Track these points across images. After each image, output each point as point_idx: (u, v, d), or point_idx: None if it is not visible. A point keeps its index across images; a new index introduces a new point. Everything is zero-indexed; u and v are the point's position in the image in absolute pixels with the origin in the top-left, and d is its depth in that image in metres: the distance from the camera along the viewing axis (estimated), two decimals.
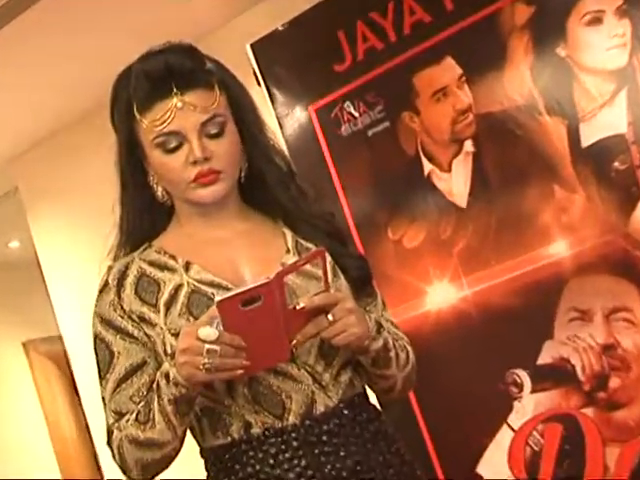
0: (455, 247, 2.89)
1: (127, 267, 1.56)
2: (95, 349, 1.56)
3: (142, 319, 1.52)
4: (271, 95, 3.15)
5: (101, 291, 1.56)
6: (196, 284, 1.51)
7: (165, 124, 1.51)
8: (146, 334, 1.53)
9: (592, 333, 2.69)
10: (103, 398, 1.57)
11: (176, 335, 1.47)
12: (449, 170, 2.91)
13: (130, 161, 1.56)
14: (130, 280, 1.54)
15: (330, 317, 1.46)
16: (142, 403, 1.50)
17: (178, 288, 1.51)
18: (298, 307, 1.43)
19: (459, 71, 2.89)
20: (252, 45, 3.16)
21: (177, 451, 1.53)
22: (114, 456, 1.56)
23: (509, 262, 2.79)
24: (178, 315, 1.50)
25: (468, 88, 2.87)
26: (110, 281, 1.55)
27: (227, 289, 1.50)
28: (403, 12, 2.96)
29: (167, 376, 1.44)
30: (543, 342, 2.75)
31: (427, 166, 2.95)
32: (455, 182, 2.90)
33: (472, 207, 2.86)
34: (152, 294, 1.52)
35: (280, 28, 3.15)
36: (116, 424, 1.54)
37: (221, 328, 1.38)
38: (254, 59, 3.15)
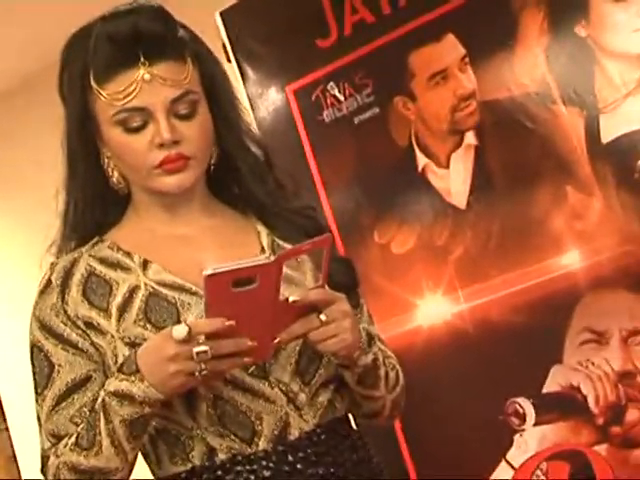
0: (451, 255, 2.71)
1: (73, 264, 1.47)
2: (32, 359, 1.48)
3: (90, 325, 1.44)
4: (242, 72, 2.94)
5: (42, 292, 1.47)
6: (155, 286, 1.44)
7: (129, 98, 1.42)
8: (94, 344, 1.45)
9: (608, 358, 2.52)
10: (38, 418, 1.48)
11: (130, 345, 1.41)
12: (447, 166, 2.71)
13: (81, 139, 1.48)
14: (77, 279, 1.46)
15: (323, 317, 1.38)
16: (83, 425, 1.41)
17: (134, 290, 1.44)
18: (290, 300, 1.33)
19: (462, 51, 2.68)
20: (222, 13, 2.94)
21: (126, 479, 1.45)
22: None
23: (513, 273, 2.63)
24: (133, 322, 1.42)
25: (472, 71, 2.66)
26: (53, 280, 1.46)
27: (192, 293, 1.43)
28: None
29: (122, 394, 1.35)
30: (550, 367, 2.58)
31: (422, 160, 2.75)
32: (453, 179, 2.70)
33: (472, 209, 2.68)
34: (103, 297, 1.44)
35: None
36: (53, 449, 1.45)
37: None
38: (224, 30, 2.93)
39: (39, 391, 1.47)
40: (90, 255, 1.49)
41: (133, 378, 1.35)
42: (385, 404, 1.56)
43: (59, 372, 1.44)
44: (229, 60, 2.92)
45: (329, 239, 1.35)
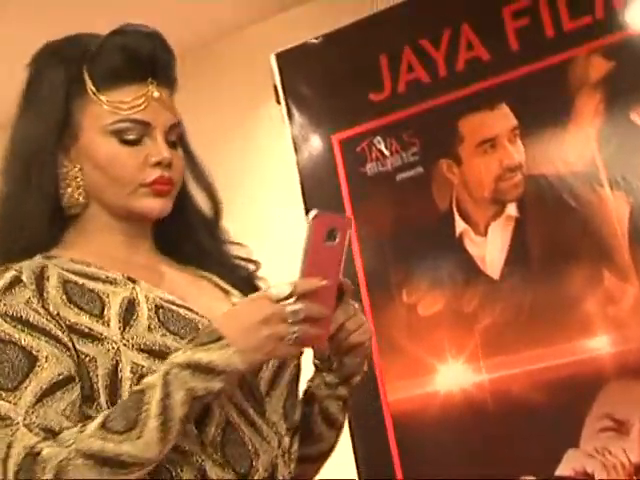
0: (478, 323, 2.64)
1: (42, 269, 1.37)
2: None
3: (75, 331, 1.33)
4: (290, 115, 2.90)
5: (7, 289, 1.35)
6: (160, 301, 1.37)
7: (135, 110, 1.40)
8: (76, 350, 1.33)
9: (626, 448, 2.44)
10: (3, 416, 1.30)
11: (146, 351, 1.32)
12: (485, 234, 2.67)
13: (54, 147, 1.41)
14: (53, 283, 1.36)
15: (356, 305, 1.38)
16: (116, 408, 1.28)
17: (132, 302, 1.36)
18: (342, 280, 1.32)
19: (514, 122, 2.65)
20: (277, 55, 2.93)
21: None
22: None
23: (539, 350, 2.55)
24: (147, 330, 1.34)
25: (521, 143, 2.63)
26: (25, 279, 1.35)
27: (195, 313, 1.37)
28: (459, 45, 2.72)
29: (196, 364, 1.25)
30: (565, 450, 2.50)
31: (460, 225, 2.71)
32: (490, 249, 2.66)
33: (505, 280, 2.62)
34: (92, 304, 1.35)
35: (313, 41, 2.91)
36: (48, 441, 1.27)
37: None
38: (277, 71, 2.91)
39: (9, 386, 1.30)
40: (56, 265, 1.40)
41: (214, 346, 1.27)
42: (335, 444, 1.53)
43: (43, 364, 1.30)
44: (278, 101, 2.90)
45: (351, 220, 1.33)
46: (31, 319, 1.33)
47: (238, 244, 1.54)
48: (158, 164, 1.41)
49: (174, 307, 1.37)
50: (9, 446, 1.27)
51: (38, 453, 1.26)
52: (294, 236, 3.08)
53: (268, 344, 1.27)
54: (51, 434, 1.28)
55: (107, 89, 1.40)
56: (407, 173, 2.76)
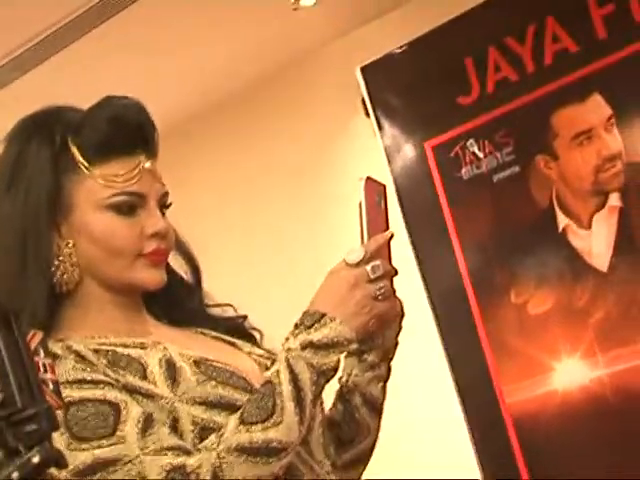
0: (591, 317, 2.60)
1: (69, 346, 1.34)
2: (69, 421, 1.27)
3: (127, 388, 1.31)
4: (380, 127, 2.90)
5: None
6: (193, 357, 1.37)
7: (130, 182, 1.38)
8: (136, 401, 1.31)
9: None
10: (114, 460, 1.25)
11: (203, 403, 1.31)
12: (589, 227, 2.63)
13: (48, 226, 1.37)
14: (88, 353, 1.33)
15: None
16: (249, 402, 1.29)
17: (170, 361, 1.35)
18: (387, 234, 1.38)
19: (608, 111, 2.60)
20: (363, 68, 2.91)
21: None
22: None
23: None
24: (197, 383, 1.33)
25: (618, 132, 2.59)
26: (59, 352, 1.32)
27: (229, 365, 1.38)
28: (545, 38, 2.68)
29: (312, 343, 1.31)
30: None
31: (562, 220, 2.67)
32: (595, 241, 2.62)
33: (615, 271, 2.58)
34: (134, 366, 1.33)
35: (397, 51, 2.91)
36: (183, 456, 1.26)
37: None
38: (364, 84, 2.90)
39: (105, 433, 1.27)
40: (74, 342, 1.36)
41: (320, 324, 1.32)
42: (376, 439, 1.51)
43: (127, 406, 1.28)
44: (367, 115, 2.90)
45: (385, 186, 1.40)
46: (89, 377, 1.30)
47: (223, 305, 1.53)
48: (155, 235, 1.40)
49: (209, 361, 1.37)
50: (143, 478, 1.25)
51: (181, 466, 1.26)
52: (395, 250, 3.10)
53: (365, 305, 1.33)
54: (179, 450, 1.27)
55: (98, 162, 1.38)
56: (503, 173, 2.73)
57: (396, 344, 1.48)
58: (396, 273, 1.37)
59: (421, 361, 2.94)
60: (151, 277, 1.40)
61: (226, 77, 3.21)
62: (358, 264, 1.34)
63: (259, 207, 3.45)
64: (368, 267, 1.33)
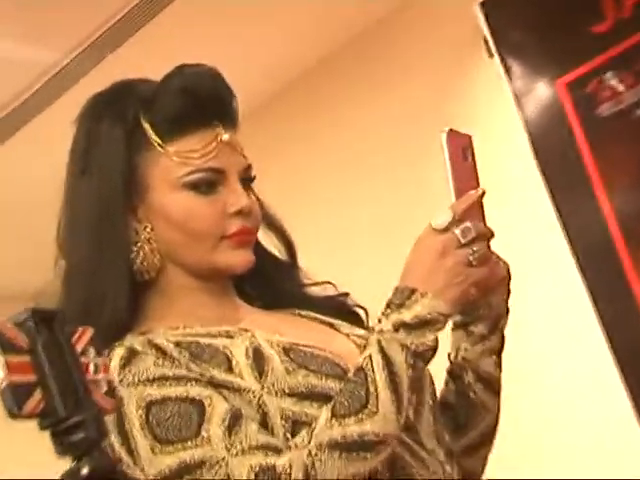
0: None
1: (150, 340, 1.29)
2: (149, 422, 1.23)
3: (212, 383, 1.25)
4: (507, 68, 2.70)
5: (128, 361, 1.26)
6: (283, 344, 1.30)
7: (208, 157, 1.32)
8: (223, 395, 1.25)
9: None
10: (200, 462, 1.20)
11: (294, 395, 1.25)
12: None
13: (125, 211, 1.33)
14: (169, 348, 1.27)
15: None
16: (338, 395, 1.21)
17: (257, 350, 1.29)
18: (479, 191, 1.28)
19: None
20: (483, 3, 2.72)
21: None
22: None
23: None
24: (287, 373, 1.27)
25: None
26: (140, 348, 1.27)
27: (323, 350, 1.31)
28: None
29: (404, 323, 1.22)
30: None
31: None
32: None
33: None
34: (217, 359, 1.27)
35: None
36: (273, 456, 1.20)
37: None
38: (485, 22, 2.71)
39: (190, 434, 1.22)
40: (156, 336, 1.31)
41: (411, 301, 1.24)
42: (499, 413, 1.42)
43: (213, 402, 1.23)
44: (491, 55, 2.71)
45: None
46: (171, 374, 1.24)
47: (322, 283, 1.47)
48: (238, 213, 1.34)
49: (300, 347, 1.31)
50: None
51: (271, 467, 1.19)
52: (532, 197, 2.85)
53: (458, 273, 1.24)
54: (267, 450, 1.20)
55: (173, 139, 1.33)
56: None
57: (507, 311, 1.39)
58: (492, 235, 1.28)
59: (569, 330, 2.71)
60: (237, 259, 1.34)
61: (333, 26, 3.12)
62: (446, 229, 1.24)
63: (363, 173, 3.26)
64: (457, 230, 1.24)
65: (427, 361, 1.24)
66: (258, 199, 1.39)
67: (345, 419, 1.19)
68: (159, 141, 1.32)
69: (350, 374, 1.23)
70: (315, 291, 1.46)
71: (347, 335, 1.38)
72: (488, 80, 2.84)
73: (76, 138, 1.37)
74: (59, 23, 2.75)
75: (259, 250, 1.40)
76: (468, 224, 1.24)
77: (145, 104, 1.33)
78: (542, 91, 2.67)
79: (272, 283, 1.43)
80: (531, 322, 2.66)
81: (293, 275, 1.45)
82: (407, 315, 1.23)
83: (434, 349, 1.23)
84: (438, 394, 1.39)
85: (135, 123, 1.33)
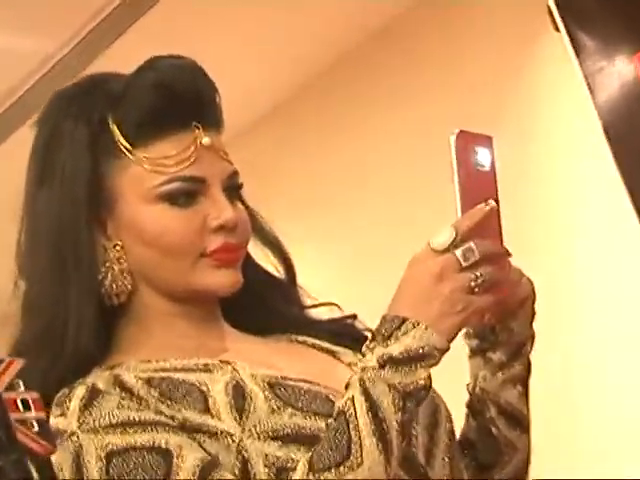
0: None
1: (116, 377, 1.23)
2: (112, 476, 1.18)
3: (185, 427, 1.20)
4: (574, 42, 2.50)
5: (89, 402, 1.20)
6: (269, 378, 1.23)
7: (185, 164, 1.25)
8: (197, 441, 1.21)
9: None
10: None
11: (278, 438, 1.20)
12: None
13: (88, 228, 1.27)
14: (138, 384, 1.22)
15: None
16: (320, 444, 1.16)
17: (238, 386, 1.23)
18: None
19: None
20: None
21: None
22: None
23: None
24: (271, 412, 1.21)
25: None
26: (102, 387, 1.21)
27: (317, 384, 1.24)
28: None
29: (390, 358, 1.14)
30: None
31: None
32: None
33: None
34: (191, 397, 1.21)
35: None
36: None
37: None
38: None
39: None
40: (125, 370, 1.25)
41: (401, 331, 1.16)
42: (530, 450, 1.35)
43: (181, 453, 1.17)
44: (557, 29, 2.50)
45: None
46: (137, 418, 1.18)
47: (325, 304, 1.41)
48: (221, 228, 1.26)
49: (288, 382, 1.25)
50: None
51: None
52: (606, 195, 2.66)
53: (457, 301, 1.16)
54: None
55: (144, 143, 1.25)
56: None
57: (532, 335, 1.30)
58: (508, 254, 1.20)
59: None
60: (219, 281, 1.26)
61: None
62: (447, 249, 1.16)
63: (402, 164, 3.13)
64: (458, 252, 1.16)
65: (420, 401, 1.16)
66: (248, 209, 1.31)
67: (324, 472, 1.13)
68: (128, 146, 1.25)
69: (330, 420, 1.16)
70: (316, 313, 1.39)
71: (350, 365, 1.30)
72: (554, 57, 2.70)
73: (36, 141, 1.29)
74: (54, 15, 2.79)
75: (250, 266, 1.32)
76: (471, 244, 1.16)
77: (113, 102, 1.25)
78: (619, 69, 2.49)
79: (265, 304, 1.36)
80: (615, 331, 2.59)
81: (290, 295, 1.38)
82: (395, 348, 1.15)
83: (426, 387, 1.16)
84: (458, 431, 1.33)
85: (102, 124, 1.25)
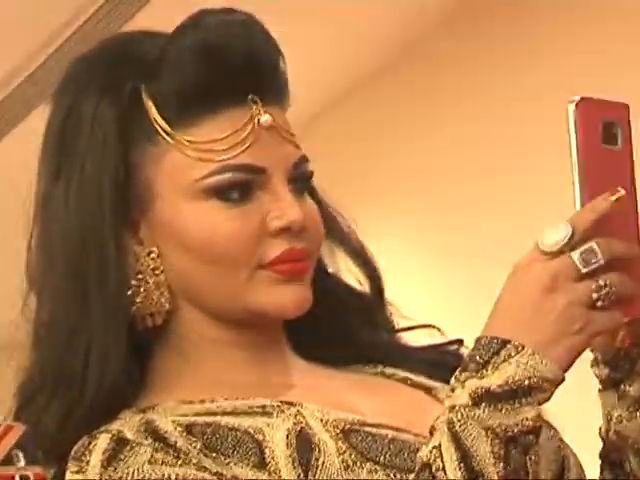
0: None
1: (149, 422, 1.09)
2: None
3: None
4: None
5: (113, 456, 1.06)
6: (344, 424, 1.10)
7: (240, 149, 1.09)
8: None
9: None
10: None
11: None
12: None
13: (109, 224, 1.11)
14: (175, 434, 1.08)
15: None
16: None
17: (303, 434, 1.10)
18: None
19: None
20: None
21: None
22: None
23: None
24: (345, 469, 1.08)
25: None
26: (131, 437, 1.07)
27: (404, 431, 1.11)
28: None
29: (486, 394, 0.99)
30: None
31: None
32: None
33: None
34: (243, 448, 1.08)
35: None
36: None
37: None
38: None
39: None
40: (161, 415, 1.13)
41: (501, 358, 1.03)
42: None
43: None
44: None
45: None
46: (174, 475, 1.06)
47: (421, 326, 1.28)
48: (285, 231, 1.12)
49: (368, 428, 1.14)
50: None
51: None
52: None
53: (574, 319, 1.02)
54: None
55: (187, 123, 1.11)
56: None
57: None
58: None
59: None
60: (282, 299, 1.13)
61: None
62: (560, 251, 1.02)
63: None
64: (575, 255, 1.02)
65: (527, 449, 1.00)
66: (321, 205, 1.16)
67: None
68: (166, 127, 1.10)
69: (411, 476, 1.04)
70: (410, 338, 1.27)
71: None
72: None
73: (50, 123, 1.13)
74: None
75: (322, 278, 1.18)
76: (593, 245, 1.02)
77: (147, 70, 1.09)
78: None
79: (344, 327, 1.22)
80: None
81: (377, 316, 1.25)
82: (494, 380, 1.02)
83: (535, 430, 1.00)
84: None
85: (133, 100, 1.10)
